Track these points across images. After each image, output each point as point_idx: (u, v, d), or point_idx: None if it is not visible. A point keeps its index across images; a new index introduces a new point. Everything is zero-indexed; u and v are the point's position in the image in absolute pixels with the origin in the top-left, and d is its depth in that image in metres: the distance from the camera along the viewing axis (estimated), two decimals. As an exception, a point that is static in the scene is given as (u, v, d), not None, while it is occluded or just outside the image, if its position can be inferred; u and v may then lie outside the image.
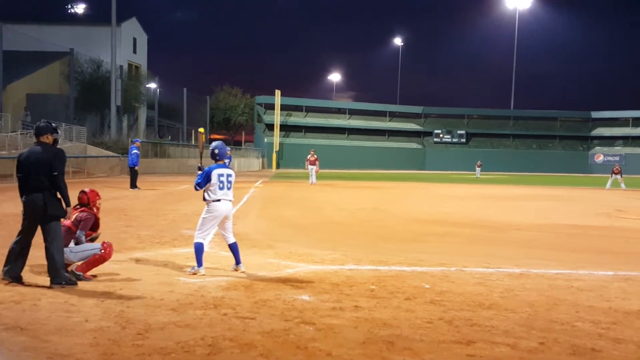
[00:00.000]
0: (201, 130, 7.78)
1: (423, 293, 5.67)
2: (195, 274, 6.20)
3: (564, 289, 6.02)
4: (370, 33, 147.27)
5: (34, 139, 5.78)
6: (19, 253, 5.63)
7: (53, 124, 5.85)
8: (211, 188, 6.31)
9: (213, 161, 6.50)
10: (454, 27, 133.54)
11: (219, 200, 6.30)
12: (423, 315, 4.87)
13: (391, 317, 4.79)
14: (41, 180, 5.50)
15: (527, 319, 4.82)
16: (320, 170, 27.74)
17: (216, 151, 6.50)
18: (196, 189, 6.44)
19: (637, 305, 5.42)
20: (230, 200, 6.45)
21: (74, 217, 6.03)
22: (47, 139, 5.71)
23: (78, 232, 5.99)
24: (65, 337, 4.07)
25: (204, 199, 6.38)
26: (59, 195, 5.61)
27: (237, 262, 6.48)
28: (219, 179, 6.32)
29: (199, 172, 6.45)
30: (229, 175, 6.43)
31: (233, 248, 6.49)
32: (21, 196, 5.63)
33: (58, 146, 5.83)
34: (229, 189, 6.41)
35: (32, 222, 5.64)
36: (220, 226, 6.49)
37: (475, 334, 4.37)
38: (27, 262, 5.84)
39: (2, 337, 4.06)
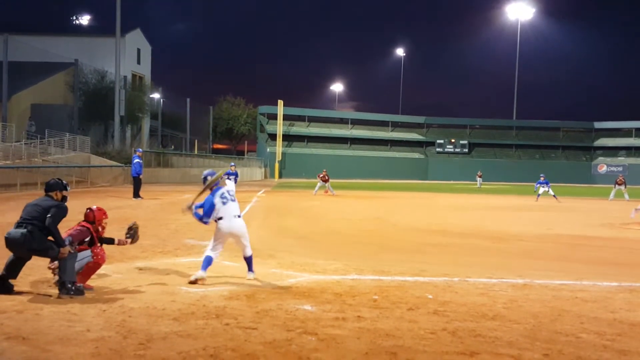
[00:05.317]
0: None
1: (426, 303, 5.65)
2: (196, 280, 6.19)
3: (568, 300, 5.98)
4: (373, 43, 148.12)
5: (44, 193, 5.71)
6: (15, 264, 5.55)
7: (64, 182, 5.79)
8: (218, 208, 6.45)
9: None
10: (456, 37, 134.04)
11: (221, 218, 6.43)
12: (426, 325, 4.84)
13: (394, 327, 4.76)
14: (33, 217, 5.37)
15: (531, 330, 4.79)
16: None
17: (209, 178, 6.67)
18: (205, 223, 6.49)
19: (642, 316, 5.37)
20: (238, 216, 6.55)
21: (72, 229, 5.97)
22: (57, 195, 5.66)
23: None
24: (66, 346, 4.06)
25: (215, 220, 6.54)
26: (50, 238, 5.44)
27: (249, 270, 6.64)
28: (221, 199, 6.48)
29: (196, 209, 6.54)
30: (229, 191, 6.67)
31: (247, 260, 6.65)
32: None
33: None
34: (233, 200, 6.57)
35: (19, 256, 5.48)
36: (237, 242, 6.63)
37: (479, 345, 4.34)
38: (30, 272, 5.79)
39: (3, 347, 4.05)
